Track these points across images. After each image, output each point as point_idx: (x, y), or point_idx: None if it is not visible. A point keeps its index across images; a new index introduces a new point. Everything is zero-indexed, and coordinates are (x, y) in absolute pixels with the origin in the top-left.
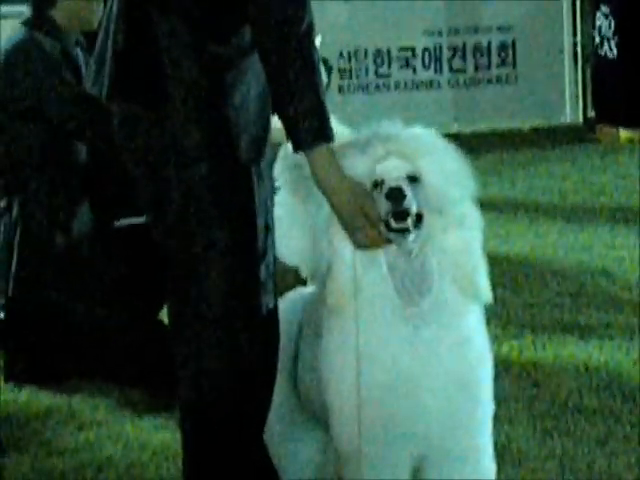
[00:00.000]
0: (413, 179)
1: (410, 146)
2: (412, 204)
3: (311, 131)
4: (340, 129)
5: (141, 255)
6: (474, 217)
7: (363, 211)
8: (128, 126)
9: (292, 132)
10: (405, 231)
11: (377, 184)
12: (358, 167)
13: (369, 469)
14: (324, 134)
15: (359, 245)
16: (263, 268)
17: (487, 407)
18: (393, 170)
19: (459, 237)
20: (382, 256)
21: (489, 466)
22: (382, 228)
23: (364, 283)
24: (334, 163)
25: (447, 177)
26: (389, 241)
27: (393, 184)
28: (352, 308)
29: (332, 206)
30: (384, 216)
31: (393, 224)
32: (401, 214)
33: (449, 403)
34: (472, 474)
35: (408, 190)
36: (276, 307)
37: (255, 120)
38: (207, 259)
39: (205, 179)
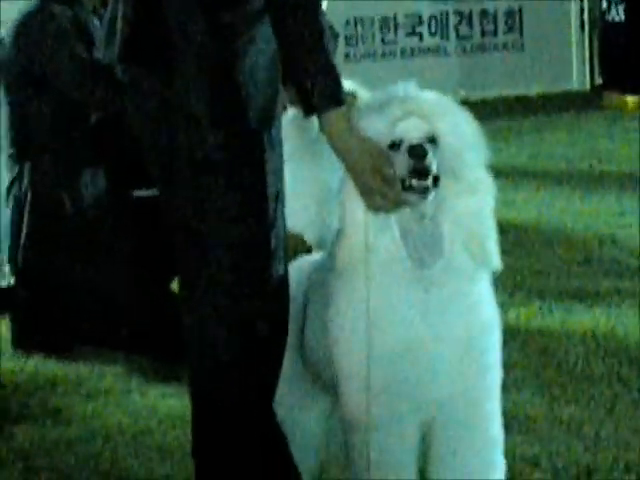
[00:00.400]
0: (431, 140)
1: (428, 108)
2: (433, 162)
3: (324, 95)
4: (359, 91)
5: (155, 225)
6: (487, 183)
7: (380, 172)
8: (138, 91)
9: (305, 96)
10: (425, 190)
11: (395, 144)
12: (376, 127)
13: (376, 436)
14: (337, 97)
15: (374, 208)
16: (273, 236)
17: (495, 373)
18: (412, 130)
19: (472, 203)
20: (394, 220)
21: (497, 433)
22: (399, 189)
23: (376, 246)
24: (348, 125)
25: (463, 140)
26: (404, 204)
27: (415, 142)
28: (362, 272)
29: (347, 168)
30: (403, 175)
31: (414, 182)
32: (422, 172)
33: (457, 368)
34: (480, 440)
35: (430, 148)
36: (286, 275)
37: (265, 87)
38: (218, 227)
39: (215, 146)
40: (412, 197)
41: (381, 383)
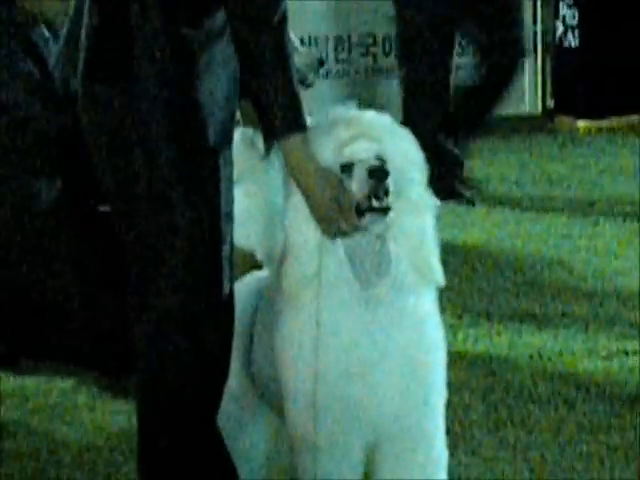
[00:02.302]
0: (381, 160)
1: (375, 129)
2: (390, 184)
3: (285, 121)
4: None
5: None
6: (429, 201)
7: (338, 201)
8: (97, 107)
9: (265, 121)
10: (386, 210)
11: (346, 166)
12: (324, 151)
13: (322, 455)
14: (297, 124)
15: (332, 235)
16: (223, 253)
17: (440, 393)
18: (362, 152)
19: (416, 221)
20: (340, 240)
21: (441, 453)
22: (353, 215)
23: (321, 267)
24: (307, 152)
25: (408, 160)
26: (361, 229)
27: (373, 162)
28: (308, 292)
29: (305, 197)
30: (360, 198)
31: (375, 204)
32: (383, 193)
33: (402, 387)
34: (424, 460)
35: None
36: (232, 292)
37: (224, 107)
38: (170, 245)
39: (172, 163)
40: (371, 219)
41: (326, 403)
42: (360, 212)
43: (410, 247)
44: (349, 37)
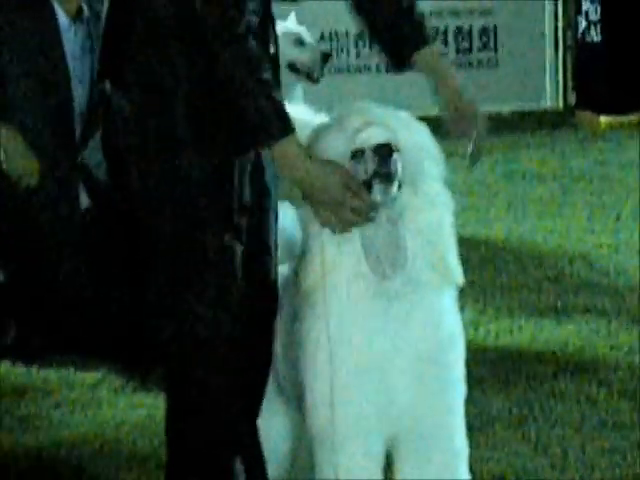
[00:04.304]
0: (393, 147)
1: (388, 119)
2: (398, 166)
3: (267, 129)
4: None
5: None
6: (445, 197)
7: (348, 185)
8: (109, 109)
9: (249, 133)
10: (391, 177)
11: (357, 152)
12: (336, 142)
13: (341, 451)
14: (283, 127)
15: (346, 223)
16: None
17: (459, 388)
18: (374, 137)
19: (432, 216)
20: (356, 234)
21: (462, 447)
22: (368, 196)
23: (337, 264)
24: (298, 153)
25: (423, 151)
26: (374, 212)
27: (381, 142)
28: (325, 289)
29: (307, 194)
30: (367, 177)
31: (377, 186)
32: (388, 174)
33: (419, 382)
34: (444, 455)
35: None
36: (275, 281)
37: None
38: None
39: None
40: (381, 191)
41: (343, 398)
42: (368, 185)
43: (426, 243)
44: None
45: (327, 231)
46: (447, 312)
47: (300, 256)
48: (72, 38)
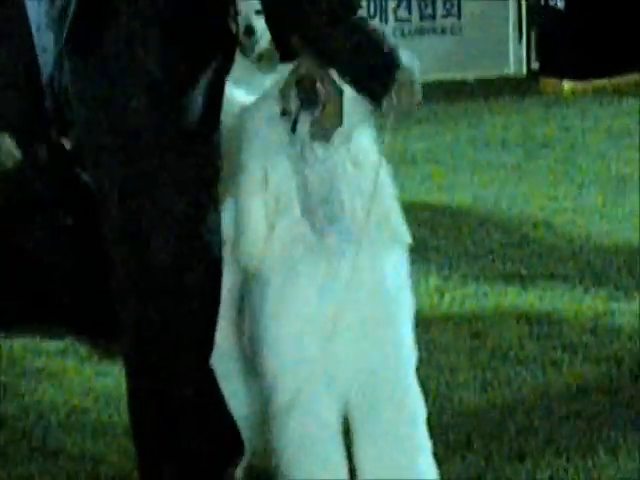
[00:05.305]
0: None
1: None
2: (321, 94)
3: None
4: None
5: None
6: (379, 158)
7: None
8: (77, 80)
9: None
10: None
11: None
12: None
13: (292, 417)
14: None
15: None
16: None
17: (405, 349)
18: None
19: (368, 173)
20: (295, 198)
21: (416, 410)
22: None
23: (277, 231)
24: None
25: (355, 109)
26: None
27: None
28: (266, 262)
29: None
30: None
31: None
32: (312, 102)
33: (364, 343)
34: (397, 417)
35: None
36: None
37: (205, 89)
38: (152, 200)
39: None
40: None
41: (292, 363)
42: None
43: (366, 199)
44: None
45: (259, 203)
46: (392, 272)
47: (237, 231)
48: (36, 8)
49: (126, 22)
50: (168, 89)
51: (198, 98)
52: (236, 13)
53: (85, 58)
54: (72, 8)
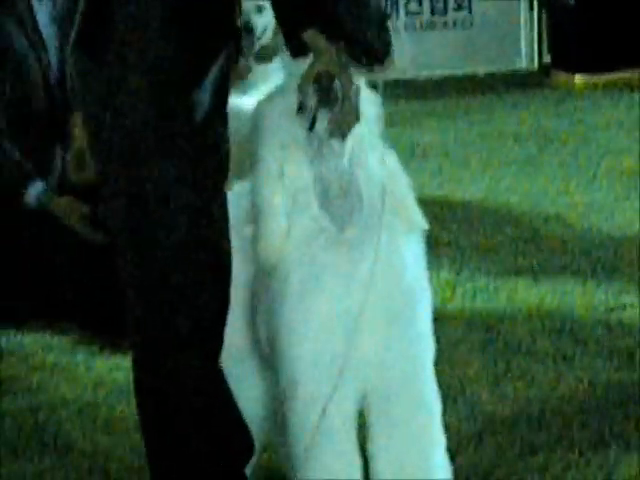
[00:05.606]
0: None
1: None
2: (339, 92)
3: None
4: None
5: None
6: (390, 153)
7: None
8: (84, 79)
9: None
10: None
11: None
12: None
13: (312, 410)
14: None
15: None
16: (215, 212)
17: (424, 343)
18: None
19: (384, 167)
20: (311, 192)
21: (432, 404)
22: None
23: (295, 225)
24: None
25: (368, 111)
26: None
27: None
28: (285, 256)
29: None
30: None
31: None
32: (328, 101)
33: (384, 337)
34: (415, 411)
35: None
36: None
37: (212, 83)
38: (169, 194)
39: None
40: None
41: (312, 357)
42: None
43: (382, 189)
44: None
45: (277, 197)
46: (412, 263)
47: (256, 222)
48: (41, 8)
49: (132, 15)
50: (174, 83)
51: (205, 92)
52: (240, 9)
53: (91, 55)
54: (80, 7)
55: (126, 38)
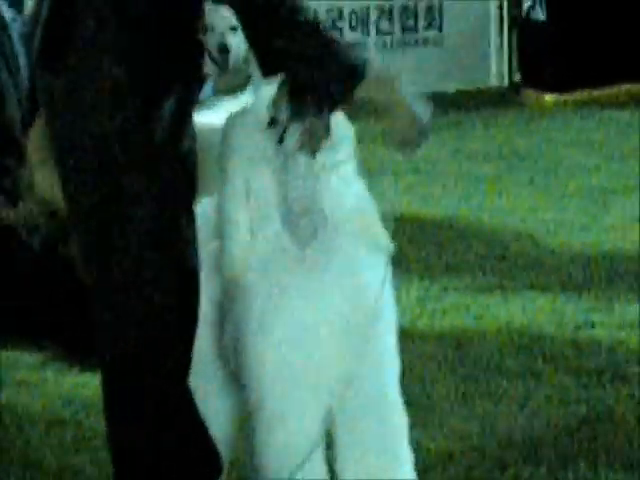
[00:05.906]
0: None
1: None
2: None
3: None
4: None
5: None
6: (356, 173)
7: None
8: (47, 97)
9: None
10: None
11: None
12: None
13: (277, 429)
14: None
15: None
16: (184, 225)
17: (388, 360)
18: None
19: (351, 191)
20: (274, 211)
21: (400, 423)
22: None
23: (258, 242)
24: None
25: (339, 128)
26: None
27: None
28: (249, 273)
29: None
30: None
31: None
32: (300, 114)
33: (346, 355)
34: (380, 428)
35: None
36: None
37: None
38: (129, 216)
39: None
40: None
41: (276, 375)
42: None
43: (347, 210)
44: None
45: (243, 213)
46: (375, 283)
47: (222, 239)
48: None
49: (93, 33)
50: (135, 98)
51: (167, 108)
52: (205, 28)
53: (51, 70)
54: (40, 27)
55: (82, 55)
